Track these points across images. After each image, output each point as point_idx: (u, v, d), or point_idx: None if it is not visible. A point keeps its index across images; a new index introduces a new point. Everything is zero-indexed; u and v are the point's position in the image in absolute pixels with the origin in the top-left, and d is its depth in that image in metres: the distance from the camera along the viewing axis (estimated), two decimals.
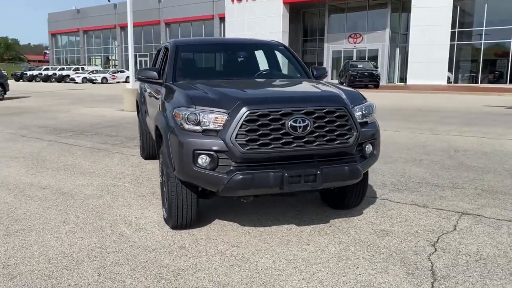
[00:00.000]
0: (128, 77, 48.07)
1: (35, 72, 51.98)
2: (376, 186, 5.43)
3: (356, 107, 3.83)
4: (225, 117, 3.43)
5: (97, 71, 49.11)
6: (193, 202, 3.79)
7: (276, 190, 3.50)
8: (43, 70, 52.27)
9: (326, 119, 3.58)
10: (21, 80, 52.10)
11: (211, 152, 3.42)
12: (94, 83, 45.33)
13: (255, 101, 3.53)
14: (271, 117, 3.42)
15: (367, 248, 3.61)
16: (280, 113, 3.44)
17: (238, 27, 40.74)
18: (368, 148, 3.88)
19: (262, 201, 4.73)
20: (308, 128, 3.49)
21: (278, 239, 3.81)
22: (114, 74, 47.83)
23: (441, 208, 4.61)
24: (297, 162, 3.56)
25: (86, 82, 45.99)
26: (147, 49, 56.13)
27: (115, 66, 60.11)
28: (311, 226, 4.12)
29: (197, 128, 3.48)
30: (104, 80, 45.94)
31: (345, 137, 3.65)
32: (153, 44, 55.53)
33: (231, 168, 3.45)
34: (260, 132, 3.42)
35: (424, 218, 4.33)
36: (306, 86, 4.51)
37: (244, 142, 3.39)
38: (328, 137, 3.58)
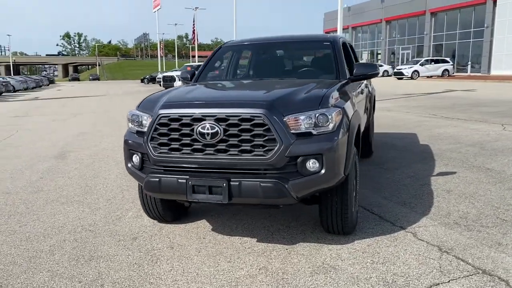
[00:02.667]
0: (385, 71, 47.97)
1: None
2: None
3: (292, 115, 3.22)
4: (150, 120, 3.52)
5: None
6: (153, 198, 3.98)
7: (184, 198, 3.38)
8: None
9: (240, 127, 3.21)
10: None
11: (138, 153, 3.58)
12: None
13: (171, 105, 3.47)
14: (182, 121, 3.32)
15: None
16: (190, 118, 3.30)
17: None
18: (312, 164, 3.22)
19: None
20: (218, 136, 3.21)
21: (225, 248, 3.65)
22: None
23: None
24: (208, 171, 3.33)
25: None
26: (410, 41, 54.25)
27: (378, 60, 60.42)
28: (273, 245, 3.73)
29: (134, 129, 3.69)
30: None
31: (263, 149, 3.18)
32: (416, 36, 53.22)
33: (151, 170, 3.53)
34: (171, 136, 3.37)
35: None
36: (269, 89, 4.01)
37: (156, 145, 3.41)
38: (242, 148, 3.21)
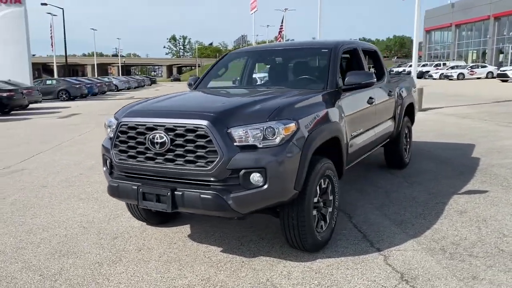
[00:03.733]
0: (490, 72, 44.01)
1: (399, 69, 54.73)
2: None
3: (236, 128, 3.17)
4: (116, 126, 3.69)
5: (457, 67, 47.16)
6: None
7: (136, 204, 3.50)
8: (408, 67, 54.37)
9: (185, 138, 3.24)
10: None
11: (108, 158, 3.78)
12: (450, 79, 43.88)
13: (132, 113, 3.59)
14: (137, 130, 3.43)
15: None
16: (144, 127, 3.41)
17: None
18: (255, 178, 3.15)
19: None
20: (166, 145, 3.28)
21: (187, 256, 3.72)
22: (472, 70, 44.68)
23: None
24: (159, 179, 3.41)
25: (443, 79, 45.14)
26: None
27: (484, 61, 55.66)
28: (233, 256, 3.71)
29: (109, 135, 3.89)
30: (461, 76, 43.68)
31: (205, 161, 3.17)
32: None
33: (116, 175, 3.70)
34: (129, 144, 3.50)
35: None
36: (233, 98, 4.00)
37: (117, 151, 3.57)
38: (187, 158, 3.24)
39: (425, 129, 10.58)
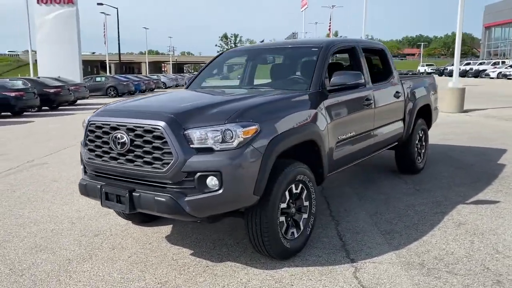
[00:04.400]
0: None
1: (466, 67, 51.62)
2: None
3: (193, 129, 3.08)
4: None
5: None
6: None
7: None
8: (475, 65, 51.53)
9: (144, 139, 3.20)
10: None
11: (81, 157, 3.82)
12: (509, 78, 41.45)
13: (101, 112, 3.59)
14: (103, 129, 3.44)
15: None
16: (109, 126, 3.40)
17: None
18: (211, 182, 3.05)
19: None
20: (126, 146, 3.26)
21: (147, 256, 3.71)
22: None
23: None
24: (122, 179, 3.39)
25: (501, 78, 42.73)
26: None
27: None
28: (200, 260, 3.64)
29: None
30: None
31: (161, 162, 3.12)
32: None
33: (88, 173, 3.73)
34: (95, 143, 3.51)
35: None
36: (201, 99, 3.90)
37: (87, 150, 3.60)
38: (145, 159, 3.20)
39: (458, 131, 10.01)
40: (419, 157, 6.17)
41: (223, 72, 4.99)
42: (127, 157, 3.28)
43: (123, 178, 3.37)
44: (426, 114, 6.28)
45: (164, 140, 3.07)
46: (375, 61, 5.62)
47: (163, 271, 3.42)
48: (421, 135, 6.16)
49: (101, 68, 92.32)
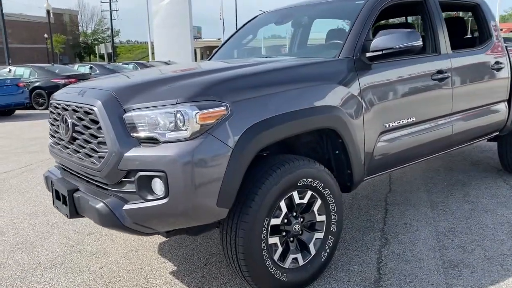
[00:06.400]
0: None
1: None
2: None
3: (132, 111, 2.20)
4: None
5: None
6: None
7: None
8: None
9: (82, 123, 2.42)
10: None
11: None
12: None
13: (62, 89, 2.90)
14: (57, 110, 2.75)
15: None
16: (61, 107, 2.70)
17: None
18: (156, 186, 2.17)
19: None
20: (69, 132, 2.52)
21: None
22: None
23: None
24: (77, 175, 2.66)
25: None
26: None
27: None
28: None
29: None
30: None
31: (97, 155, 2.31)
32: None
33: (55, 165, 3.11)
34: (54, 127, 2.85)
35: None
36: (175, 72, 2.92)
37: (49, 135, 2.96)
38: (86, 150, 2.42)
39: None
40: None
41: (251, 40, 3.97)
42: (72, 146, 2.53)
43: (77, 174, 2.64)
44: None
45: (98, 125, 2.25)
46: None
47: (127, 276, 2.66)
48: None
49: None
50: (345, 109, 2.62)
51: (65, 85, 13.33)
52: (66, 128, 2.52)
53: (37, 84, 14.61)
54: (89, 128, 2.34)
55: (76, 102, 2.47)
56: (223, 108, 2.16)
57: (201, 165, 2.09)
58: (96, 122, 2.27)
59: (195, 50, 32.27)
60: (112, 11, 54.67)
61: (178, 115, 2.11)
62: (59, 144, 2.74)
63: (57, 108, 2.73)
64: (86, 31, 68.86)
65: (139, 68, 19.66)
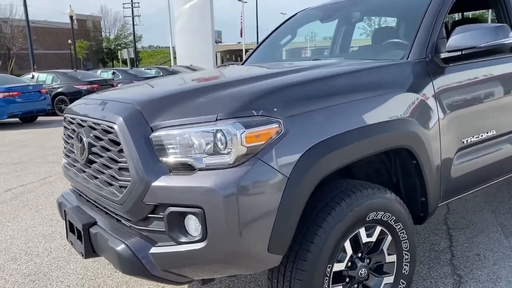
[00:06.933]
0: None
1: None
2: None
3: (161, 130, 1.75)
4: None
5: None
6: None
7: None
8: None
9: (101, 143, 1.98)
10: None
11: None
12: None
13: (77, 102, 2.47)
14: (72, 126, 2.33)
15: None
16: (74, 122, 2.28)
17: None
18: (192, 225, 1.71)
19: None
20: (85, 152, 2.09)
21: None
22: None
23: None
24: (95, 204, 2.23)
25: None
26: None
27: None
28: None
29: None
30: None
31: (117, 184, 1.86)
32: None
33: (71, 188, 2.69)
34: (68, 146, 2.43)
35: None
36: (209, 80, 2.44)
37: (64, 155, 2.54)
38: (104, 176, 1.98)
39: None
40: None
41: (290, 41, 3.48)
42: (89, 169, 2.10)
43: (95, 202, 2.21)
44: None
45: (120, 146, 1.81)
46: None
47: None
48: None
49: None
50: (421, 124, 2.13)
51: (87, 91, 13.14)
52: (82, 149, 2.09)
53: (59, 90, 14.45)
54: (108, 150, 1.90)
55: (94, 118, 2.03)
56: (276, 125, 1.69)
57: (248, 200, 1.63)
58: (117, 143, 1.83)
59: (216, 54, 31.96)
60: (134, 17, 55.15)
61: (219, 135, 1.65)
62: (74, 165, 2.31)
63: (72, 123, 2.31)
64: (109, 36, 69.63)
65: (161, 73, 19.38)
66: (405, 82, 2.18)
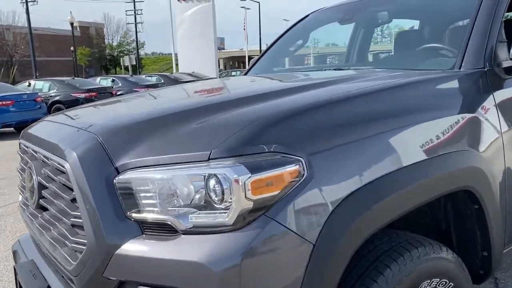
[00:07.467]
0: None
1: None
2: None
3: (130, 172, 1.22)
4: None
5: None
6: None
7: None
8: None
9: (53, 185, 1.45)
10: None
11: None
12: None
13: (32, 125, 1.95)
14: (26, 156, 1.80)
15: None
16: (28, 152, 1.75)
17: None
18: None
19: None
20: (34, 195, 1.57)
21: None
22: None
23: None
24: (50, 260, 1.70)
25: None
26: None
27: None
28: None
29: None
30: None
31: (71, 245, 1.34)
32: None
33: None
34: (21, 180, 1.90)
35: None
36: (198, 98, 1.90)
37: (19, 191, 2.01)
38: (56, 231, 1.45)
39: None
40: None
41: (301, 46, 2.95)
42: (41, 217, 1.57)
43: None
44: None
45: (73, 194, 1.27)
46: None
47: None
48: None
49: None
50: (484, 156, 1.58)
51: (85, 99, 12.65)
52: (31, 189, 1.56)
53: (56, 98, 13.96)
54: (61, 197, 1.37)
55: (45, 149, 1.50)
56: (295, 167, 1.16)
57: (255, 282, 1.08)
58: (71, 189, 1.29)
59: (218, 61, 31.58)
60: (137, 24, 54.89)
61: (212, 181, 1.12)
62: (28, 207, 1.78)
63: (26, 152, 1.78)
64: (111, 43, 69.47)
65: (162, 80, 18.90)
66: (460, 100, 1.65)
